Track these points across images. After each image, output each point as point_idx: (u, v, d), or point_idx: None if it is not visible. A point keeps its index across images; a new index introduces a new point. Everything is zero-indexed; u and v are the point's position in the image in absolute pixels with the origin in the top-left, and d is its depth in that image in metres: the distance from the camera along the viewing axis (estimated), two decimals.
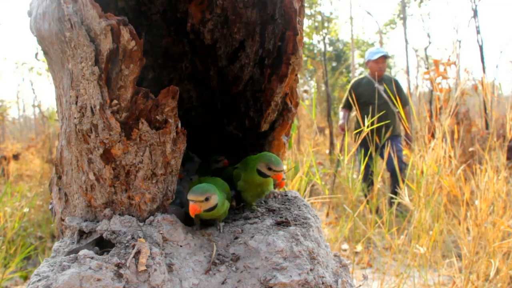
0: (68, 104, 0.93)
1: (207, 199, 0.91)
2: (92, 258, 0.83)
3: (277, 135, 1.22)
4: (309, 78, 9.66)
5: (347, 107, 4.69)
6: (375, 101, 3.96)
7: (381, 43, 9.59)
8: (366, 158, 2.44)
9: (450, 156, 2.15)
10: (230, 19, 1.19)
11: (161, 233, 0.91)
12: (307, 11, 7.81)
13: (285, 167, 1.04)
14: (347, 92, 4.64)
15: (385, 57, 4.61)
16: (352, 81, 4.74)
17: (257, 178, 1.03)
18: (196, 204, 0.90)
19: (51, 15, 0.93)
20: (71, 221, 0.98)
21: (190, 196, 0.90)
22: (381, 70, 4.59)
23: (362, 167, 2.33)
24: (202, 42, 1.26)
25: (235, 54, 1.23)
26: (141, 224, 0.92)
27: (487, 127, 5.14)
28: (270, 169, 1.00)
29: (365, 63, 4.71)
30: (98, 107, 0.87)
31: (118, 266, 0.82)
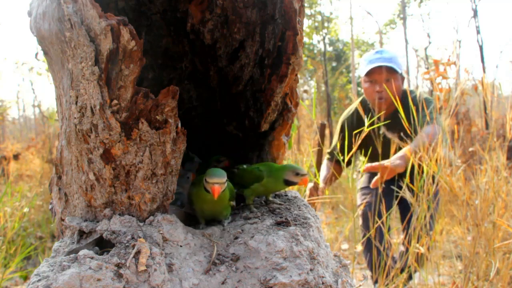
0: (68, 104, 0.93)
1: (225, 182, 0.97)
2: (92, 258, 0.83)
3: (277, 135, 1.22)
4: (309, 78, 9.67)
5: (336, 159, 2.56)
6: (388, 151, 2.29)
7: (381, 43, 9.59)
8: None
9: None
10: (230, 19, 1.19)
11: (161, 233, 0.91)
12: (307, 11, 7.82)
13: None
14: (336, 135, 2.67)
15: (390, 70, 2.38)
16: (342, 117, 2.71)
17: (281, 187, 1.13)
18: (220, 186, 0.95)
19: (51, 15, 0.93)
20: (71, 221, 0.98)
21: (214, 179, 0.95)
22: (383, 100, 2.40)
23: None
24: (202, 42, 1.26)
25: (235, 54, 1.23)
26: (141, 224, 0.92)
27: (487, 127, 5.13)
28: (297, 174, 1.07)
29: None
30: (98, 107, 0.87)
31: (118, 266, 0.82)
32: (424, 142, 2.12)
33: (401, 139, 2.41)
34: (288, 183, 1.08)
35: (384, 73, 2.40)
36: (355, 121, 2.59)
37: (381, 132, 2.49)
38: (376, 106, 2.46)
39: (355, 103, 2.62)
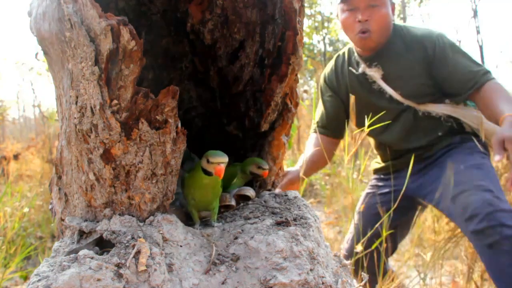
0: (68, 104, 0.93)
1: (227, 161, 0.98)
2: (92, 258, 0.83)
3: (277, 135, 1.22)
4: (309, 78, 9.66)
5: (324, 130, 2.02)
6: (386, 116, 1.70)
7: None
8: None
9: None
10: (230, 19, 1.19)
11: (161, 233, 0.91)
12: (307, 11, 7.82)
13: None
14: (320, 99, 2.10)
15: None
16: (325, 76, 2.06)
17: (247, 178, 1.21)
18: (224, 166, 0.96)
19: (51, 15, 0.93)
20: (71, 221, 0.98)
21: (218, 159, 0.95)
22: (367, 34, 1.75)
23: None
24: (202, 42, 1.26)
25: (235, 54, 1.24)
26: (141, 224, 0.92)
27: None
28: (260, 167, 1.16)
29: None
30: (98, 107, 0.87)
31: (118, 266, 0.82)
32: None
33: (396, 85, 1.79)
34: (253, 174, 1.18)
35: None
36: (347, 77, 1.95)
37: (360, 70, 1.86)
38: (359, 44, 1.80)
39: (344, 50, 2.01)
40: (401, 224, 1.86)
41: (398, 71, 1.82)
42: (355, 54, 1.92)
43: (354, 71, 1.91)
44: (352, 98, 1.73)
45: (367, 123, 1.44)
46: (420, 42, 1.78)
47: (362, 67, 1.87)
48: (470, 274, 1.97)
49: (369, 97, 1.87)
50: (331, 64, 2.06)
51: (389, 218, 1.57)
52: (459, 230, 2.12)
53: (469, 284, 1.97)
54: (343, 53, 2.01)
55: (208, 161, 0.96)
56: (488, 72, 1.66)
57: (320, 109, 2.10)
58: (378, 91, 1.86)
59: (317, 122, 2.07)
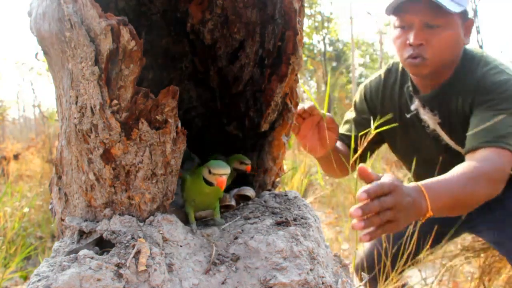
0: (68, 104, 0.93)
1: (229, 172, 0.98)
2: (92, 258, 0.83)
3: (277, 135, 1.22)
4: (309, 78, 9.67)
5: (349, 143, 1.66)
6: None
7: (381, 43, 9.60)
8: None
9: None
10: (230, 19, 1.19)
11: (161, 233, 0.91)
12: (307, 11, 7.83)
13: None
14: (353, 112, 1.76)
15: (436, 6, 1.26)
16: (361, 88, 1.73)
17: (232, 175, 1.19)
18: (226, 177, 0.95)
19: (51, 15, 0.93)
20: (71, 221, 0.98)
21: (221, 171, 0.95)
22: (418, 60, 1.35)
23: None
24: (202, 42, 1.26)
25: (235, 54, 1.24)
26: (141, 224, 0.92)
27: None
28: (242, 163, 1.16)
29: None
30: (98, 107, 0.87)
31: (118, 266, 0.82)
32: (462, 188, 1.18)
33: (452, 135, 1.45)
34: (237, 170, 1.17)
35: (424, 12, 1.32)
36: (396, 104, 1.61)
37: (412, 107, 1.52)
38: (409, 69, 1.45)
39: (398, 64, 1.63)
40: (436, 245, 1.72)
41: (457, 118, 1.44)
42: (409, 83, 1.55)
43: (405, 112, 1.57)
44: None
45: (411, 168, 1.34)
46: (477, 83, 1.37)
47: (416, 105, 1.52)
48: (482, 277, 1.95)
49: (421, 141, 1.56)
50: (378, 78, 1.68)
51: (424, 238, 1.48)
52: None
53: (471, 284, 1.97)
54: (396, 70, 1.62)
55: (209, 172, 0.96)
56: (496, 141, 1.25)
57: (349, 125, 1.74)
58: (433, 137, 1.53)
59: (342, 140, 1.72)
